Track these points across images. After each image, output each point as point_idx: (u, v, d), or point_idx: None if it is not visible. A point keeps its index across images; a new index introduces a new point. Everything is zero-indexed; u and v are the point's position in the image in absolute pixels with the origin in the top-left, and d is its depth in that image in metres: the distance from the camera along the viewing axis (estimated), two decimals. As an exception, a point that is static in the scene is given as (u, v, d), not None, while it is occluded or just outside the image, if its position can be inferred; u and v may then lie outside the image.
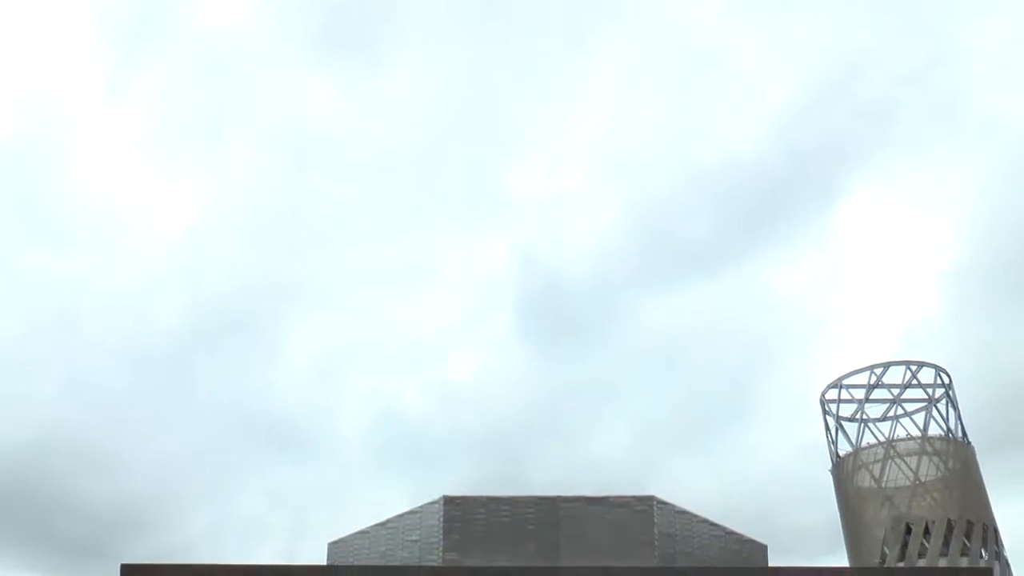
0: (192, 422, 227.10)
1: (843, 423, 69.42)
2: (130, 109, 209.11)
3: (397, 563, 63.22)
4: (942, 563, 59.28)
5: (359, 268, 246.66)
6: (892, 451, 65.69)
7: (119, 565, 48.40)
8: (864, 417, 68.92)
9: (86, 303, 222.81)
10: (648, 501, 64.99)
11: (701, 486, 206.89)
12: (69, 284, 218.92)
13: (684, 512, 66.82)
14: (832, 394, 71.13)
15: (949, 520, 62.05)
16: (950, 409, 67.60)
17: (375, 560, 65.37)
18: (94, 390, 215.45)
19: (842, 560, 67.52)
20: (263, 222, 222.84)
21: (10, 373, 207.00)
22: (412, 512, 66.90)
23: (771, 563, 67.51)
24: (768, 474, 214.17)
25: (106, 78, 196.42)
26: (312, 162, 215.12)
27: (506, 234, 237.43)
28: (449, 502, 64.60)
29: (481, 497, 65.84)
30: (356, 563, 65.74)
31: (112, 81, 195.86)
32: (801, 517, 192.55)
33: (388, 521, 67.66)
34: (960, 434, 66.70)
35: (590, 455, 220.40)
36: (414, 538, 65.32)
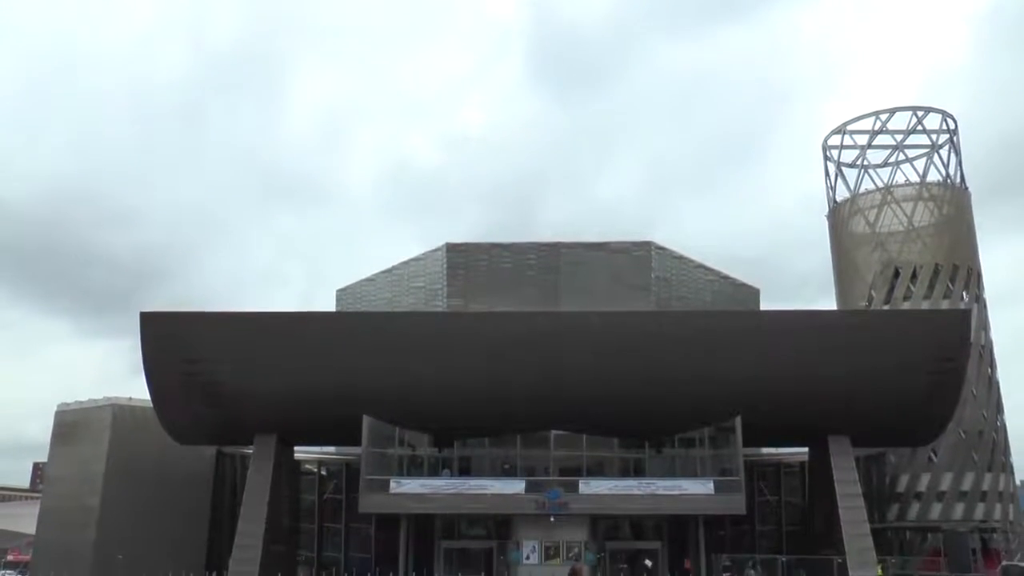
0: (203, 173, 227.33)
1: (843, 169, 69.28)
2: None
3: (403, 309, 66.05)
4: (924, 305, 61.59)
5: (366, 21, 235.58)
6: (889, 197, 66.04)
7: (139, 313, 51.09)
8: (865, 163, 68.64)
9: (87, 55, 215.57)
10: (646, 247, 66.67)
11: (705, 231, 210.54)
12: (68, 36, 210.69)
13: (681, 257, 68.76)
14: (835, 140, 70.35)
15: (936, 264, 63.63)
16: (952, 155, 67.18)
17: (381, 306, 68.21)
18: (103, 142, 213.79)
19: (832, 304, 70.25)
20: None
21: (14, 126, 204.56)
22: (416, 259, 68.78)
23: (763, 306, 70.69)
24: (770, 220, 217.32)
25: None
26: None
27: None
28: (452, 249, 66.23)
29: (483, 244, 67.43)
30: (363, 309, 68.68)
31: None
32: (799, 263, 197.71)
33: (393, 268, 69.66)
34: (959, 180, 66.77)
35: (600, 202, 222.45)
36: (419, 284, 67.62)
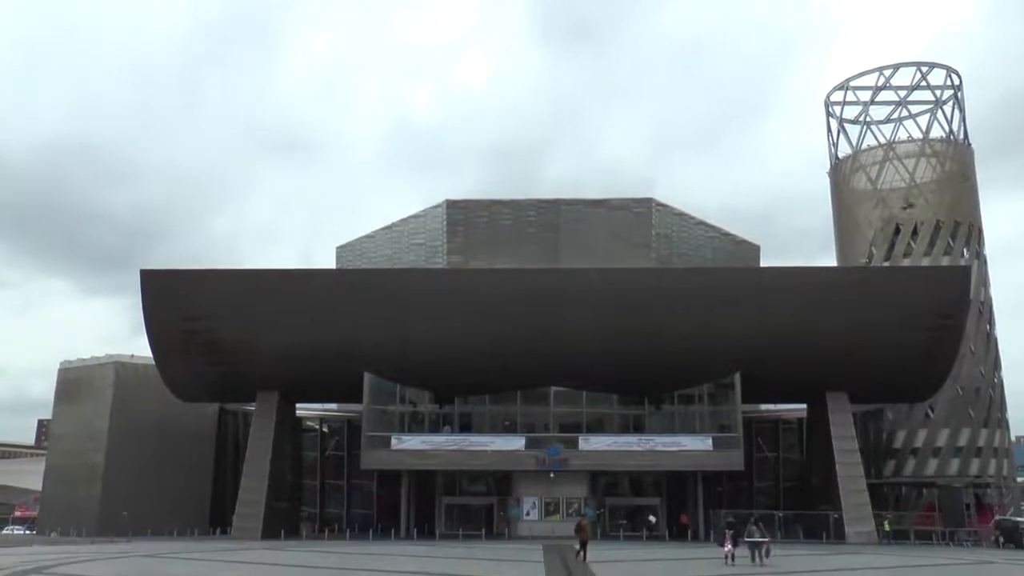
0: (202, 131, 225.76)
1: (846, 125, 68.73)
2: None
3: (403, 266, 65.90)
4: (925, 262, 61.45)
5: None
6: (891, 153, 65.62)
7: (139, 271, 51.12)
8: (867, 119, 68.12)
9: (85, 13, 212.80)
10: (646, 203, 66.41)
11: (707, 188, 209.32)
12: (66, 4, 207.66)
13: (682, 214, 68.56)
14: (837, 96, 69.70)
15: (937, 221, 63.39)
16: (956, 111, 66.61)
17: (381, 263, 68.09)
18: (101, 100, 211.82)
19: (833, 261, 70.08)
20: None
21: (12, 85, 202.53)
22: (416, 216, 68.56)
23: (763, 263, 70.62)
24: (772, 177, 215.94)
25: None
26: None
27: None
28: (452, 205, 65.98)
29: (483, 200, 67.18)
30: (363, 266, 68.55)
31: None
32: (800, 219, 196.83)
33: (393, 225, 69.47)
34: (962, 136, 66.27)
35: (601, 159, 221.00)
36: (419, 241, 67.45)
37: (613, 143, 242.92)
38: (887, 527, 50.50)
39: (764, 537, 29.97)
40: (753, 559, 29.03)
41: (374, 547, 41.52)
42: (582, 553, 30.48)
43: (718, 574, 26.09)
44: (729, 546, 29.46)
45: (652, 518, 53.69)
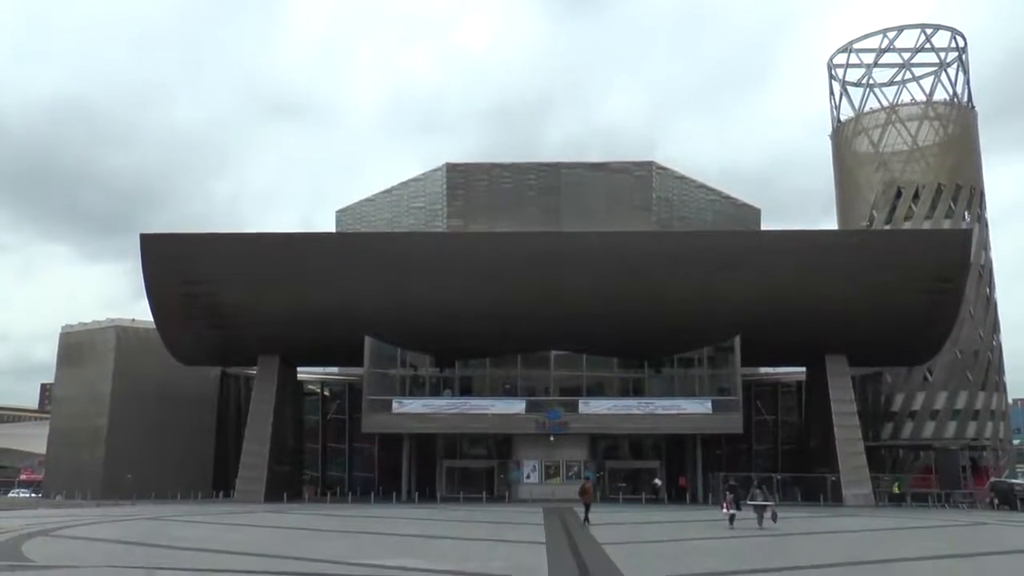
0: (203, 96, 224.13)
1: (848, 88, 68.17)
2: None
3: (403, 229, 65.74)
4: (926, 225, 61.24)
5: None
6: (894, 116, 65.12)
7: (139, 235, 51.04)
8: (871, 82, 67.51)
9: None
10: (647, 167, 66.16)
11: (709, 152, 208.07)
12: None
13: (682, 178, 68.30)
14: (840, 58, 68.99)
15: (939, 184, 63.08)
16: (960, 74, 65.98)
17: (381, 227, 67.89)
18: (101, 62, 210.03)
19: (834, 224, 69.84)
20: None
21: (11, 46, 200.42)
22: (416, 179, 68.28)
23: (764, 226, 70.44)
24: (774, 141, 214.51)
25: None
26: None
27: None
28: (452, 169, 65.71)
29: (483, 164, 66.92)
30: (363, 230, 68.35)
31: None
32: (801, 183, 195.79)
33: (393, 189, 69.20)
34: (966, 99, 65.72)
35: (602, 123, 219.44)
36: (419, 205, 67.25)
37: (614, 106, 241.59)
38: (896, 490, 51.03)
39: (768, 500, 30.12)
40: (760, 523, 29.12)
41: (375, 510, 41.92)
42: (587, 516, 30.51)
43: (721, 536, 26.33)
44: (728, 509, 29.64)
45: (657, 481, 54.11)
